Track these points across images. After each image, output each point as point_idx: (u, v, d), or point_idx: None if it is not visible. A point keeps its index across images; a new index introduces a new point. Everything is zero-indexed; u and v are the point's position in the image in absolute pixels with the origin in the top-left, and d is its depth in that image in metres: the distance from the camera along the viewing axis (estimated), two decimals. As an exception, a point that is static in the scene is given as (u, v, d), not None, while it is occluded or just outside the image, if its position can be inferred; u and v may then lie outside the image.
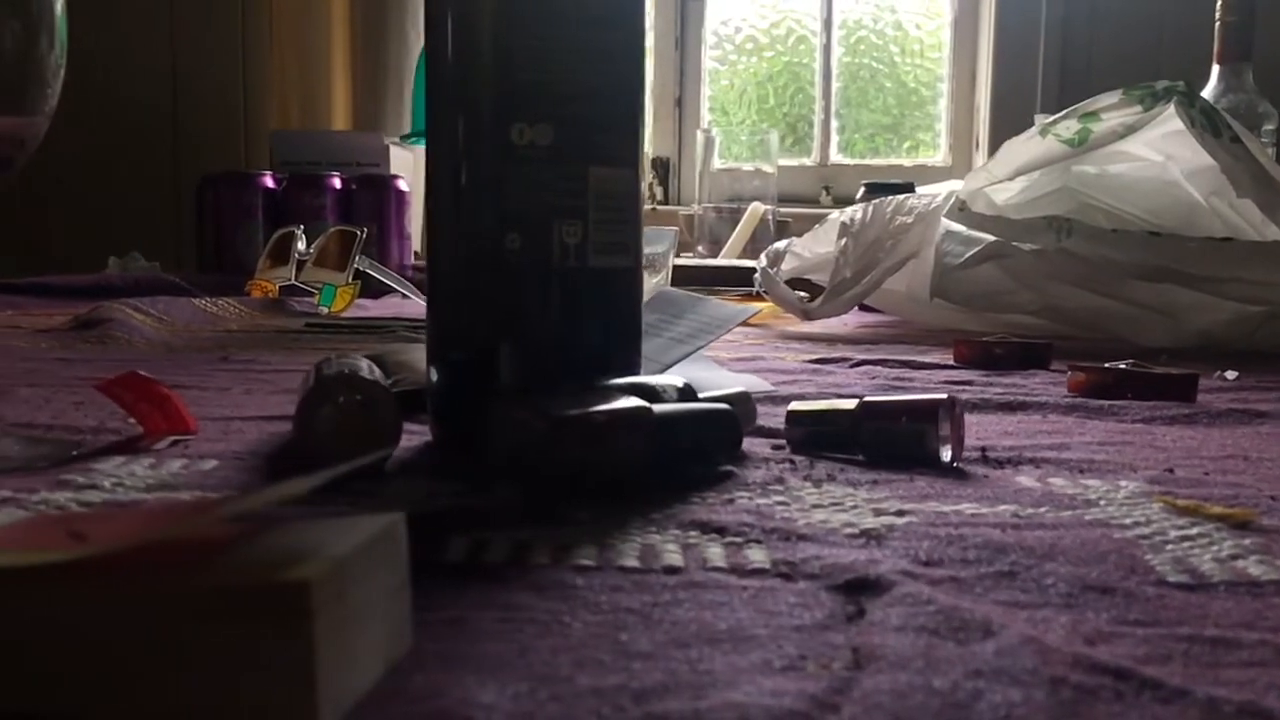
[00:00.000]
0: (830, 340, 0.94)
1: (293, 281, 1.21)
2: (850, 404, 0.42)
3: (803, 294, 1.04)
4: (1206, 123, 0.95)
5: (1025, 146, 1.01)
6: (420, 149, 1.77)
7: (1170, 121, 0.97)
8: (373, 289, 1.26)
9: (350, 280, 1.15)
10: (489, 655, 0.22)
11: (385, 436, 0.37)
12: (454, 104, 0.42)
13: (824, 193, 2.17)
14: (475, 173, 0.41)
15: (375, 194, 1.50)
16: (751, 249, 1.54)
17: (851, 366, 0.73)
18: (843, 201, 2.16)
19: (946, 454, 0.40)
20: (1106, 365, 0.61)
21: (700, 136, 1.72)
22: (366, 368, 0.42)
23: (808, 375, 0.68)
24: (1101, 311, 0.92)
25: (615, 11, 0.41)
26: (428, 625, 0.23)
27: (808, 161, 2.19)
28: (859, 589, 0.25)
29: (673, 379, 0.40)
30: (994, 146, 2.09)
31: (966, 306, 0.99)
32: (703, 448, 0.37)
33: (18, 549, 0.20)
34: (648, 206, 2.21)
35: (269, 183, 1.48)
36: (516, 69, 0.40)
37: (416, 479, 0.37)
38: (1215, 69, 1.23)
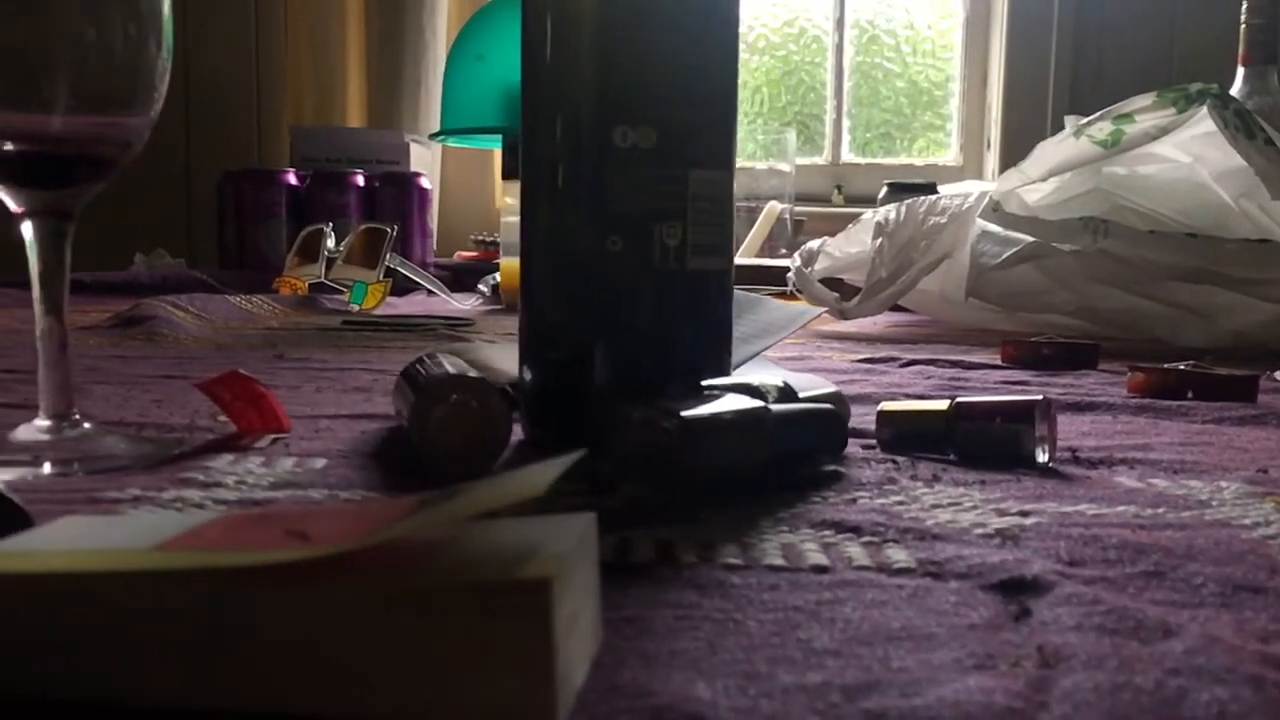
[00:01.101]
0: (869, 340, 0.95)
1: (322, 279, 1.21)
2: (942, 405, 0.43)
3: (835, 294, 1.05)
4: (1240, 125, 0.95)
5: (1059, 148, 1.02)
6: (446, 147, 1.77)
7: (1199, 124, 0.98)
8: (398, 286, 1.26)
9: (381, 278, 1.15)
10: (681, 653, 0.22)
11: (498, 436, 0.38)
12: (553, 106, 0.42)
13: (836, 191, 2.17)
14: (576, 175, 0.41)
15: (398, 191, 1.51)
16: (768, 248, 1.55)
17: (902, 366, 0.74)
18: (854, 200, 2.17)
19: (1042, 455, 0.41)
20: (1166, 366, 0.61)
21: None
22: (463, 368, 0.42)
23: (861, 375, 0.69)
24: (1138, 312, 0.93)
25: (713, 16, 0.42)
26: (608, 623, 0.23)
27: (819, 160, 2.19)
28: (1016, 589, 0.26)
29: (771, 379, 0.41)
30: (1006, 146, 2.11)
31: (1001, 307, 0.99)
32: (814, 448, 0.38)
33: (237, 548, 0.21)
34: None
35: (292, 180, 1.48)
36: (620, 72, 0.40)
37: (530, 478, 0.37)
38: (1240, 71, 1.24)
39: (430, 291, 1.33)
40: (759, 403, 0.35)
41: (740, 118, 2.24)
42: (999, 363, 0.76)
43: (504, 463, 0.39)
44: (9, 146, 0.38)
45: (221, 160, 1.85)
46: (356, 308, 1.14)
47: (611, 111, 0.40)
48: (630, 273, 0.41)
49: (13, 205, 0.39)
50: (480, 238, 1.69)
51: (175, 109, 2.04)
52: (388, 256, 1.16)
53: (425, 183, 1.55)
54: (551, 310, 0.43)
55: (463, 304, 1.27)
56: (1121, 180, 1.03)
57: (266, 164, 1.78)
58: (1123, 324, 0.94)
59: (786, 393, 0.40)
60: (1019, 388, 0.63)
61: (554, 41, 0.42)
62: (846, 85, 2.18)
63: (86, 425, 0.41)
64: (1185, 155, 1.03)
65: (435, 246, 1.66)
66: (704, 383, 0.39)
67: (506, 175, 1.24)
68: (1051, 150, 1.02)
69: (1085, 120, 1.01)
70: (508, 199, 1.26)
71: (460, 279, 1.40)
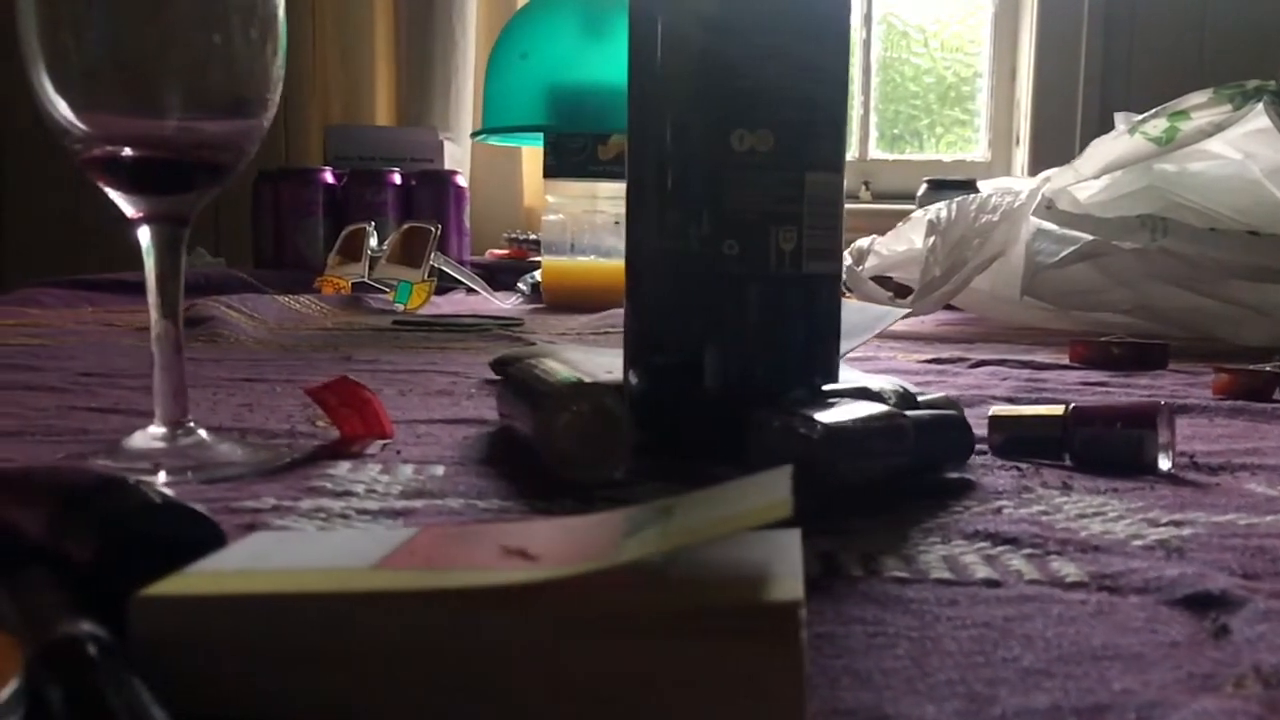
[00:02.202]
0: (926, 340, 0.94)
1: (365, 278, 1.21)
2: (1057, 410, 0.42)
3: (889, 293, 1.04)
4: (1297, 122, 0.95)
5: (1112, 145, 1.01)
6: (474, 144, 1.77)
7: (1251, 120, 0.97)
8: (437, 285, 1.26)
9: (426, 277, 1.15)
10: (892, 672, 0.22)
11: (622, 443, 0.37)
12: (666, 111, 0.42)
13: (863, 188, 2.16)
14: (692, 179, 0.41)
15: (435, 190, 1.50)
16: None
17: (971, 367, 0.73)
18: (882, 197, 2.16)
19: (1166, 462, 0.40)
20: (1252, 368, 0.61)
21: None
22: (575, 373, 0.42)
23: (934, 376, 0.68)
24: (1198, 310, 0.92)
25: (826, 19, 0.41)
26: (804, 641, 0.23)
27: (847, 157, 2.18)
28: (1204, 604, 0.25)
29: (890, 384, 0.40)
30: (1035, 142, 2.10)
31: (1057, 305, 0.99)
32: (945, 455, 0.37)
33: (456, 566, 0.20)
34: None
35: (329, 179, 1.48)
36: (738, 76, 0.40)
37: (659, 485, 0.37)
38: (1288, 67, 1.23)
39: (470, 290, 1.32)
40: (895, 409, 0.35)
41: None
42: (1067, 363, 0.75)
43: (625, 468, 0.39)
44: (127, 152, 0.38)
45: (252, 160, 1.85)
46: (401, 307, 1.14)
47: (729, 115, 0.40)
48: (746, 277, 0.41)
49: (129, 211, 0.39)
50: (514, 236, 1.69)
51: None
52: (432, 255, 1.16)
53: (461, 181, 1.55)
54: (661, 315, 0.43)
55: (504, 303, 1.26)
56: (1173, 178, 1.02)
57: (294, 163, 1.78)
58: (1183, 322, 0.93)
59: (906, 398, 0.39)
60: (1101, 389, 0.63)
61: (666, 45, 0.42)
62: (874, 81, 2.18)
63: (201, 432, 0.40)
64: (1236, 152, 1.02)
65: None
66: (824, 388, 0.39)
67: (549, 174, 1.23)
68: (1105, 148, 1.01)
69: (1140, 117, 1.01)
70: (549, 197, 1.26)
71: (495, 277, 1.40)
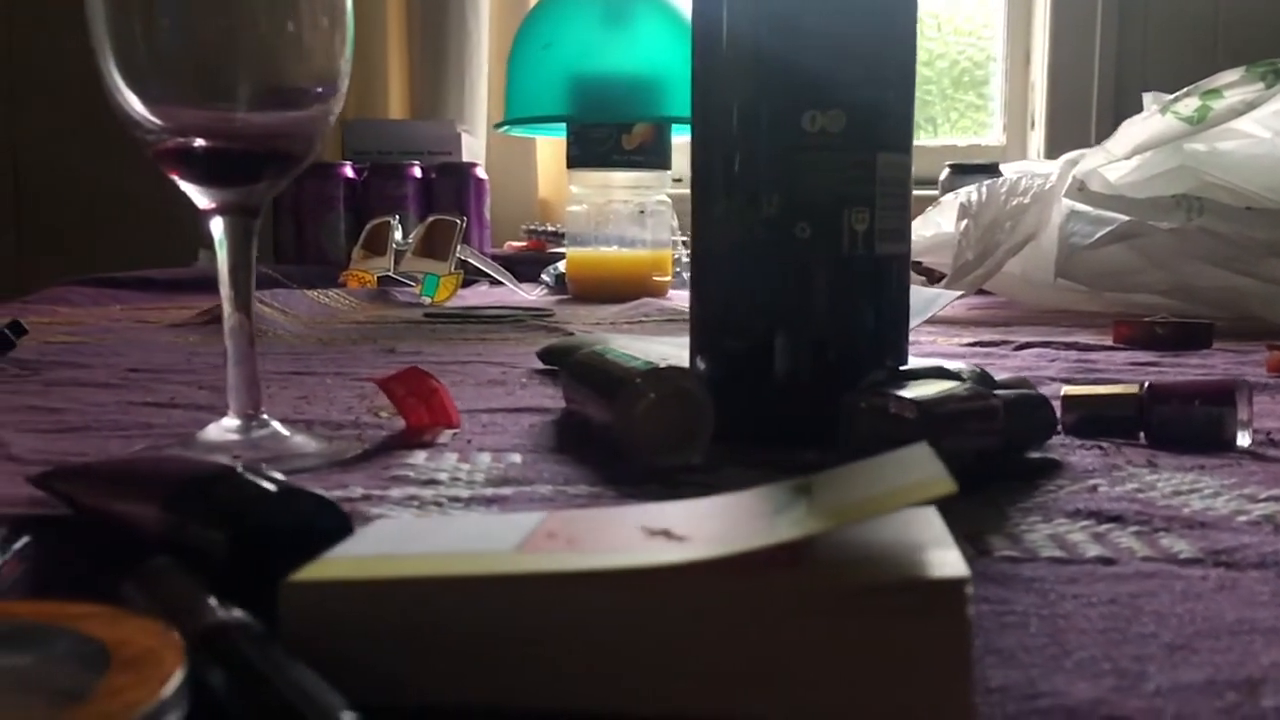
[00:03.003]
0: (962, 324, 0.94)
1: (391, 272, 1.21)
2: (1132, 388, 0.42)
3: (922, 276, 1.04)
4: (1330, 99, 0.94)
5: (1144, 125, 1.00)
6: (498, 136, 1.76)
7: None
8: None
9: (453, 269, 1.15)
10: (1034, 650, 0.21)
11: (702, 428, 0.37)
12: (734, 94, 0.41)
13: (879, 174, 2.15)
14: (762, 162, 0.41)
15: (455, 182, 1.50)
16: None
17: (1016, 349, 0.73)
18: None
19: (1245, 438, 0.40)
20: (1307, 345, 0.60)
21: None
22: (643, 359, 0.42)
23: (982, 359, 0.68)
24: (1236, 290, 0.91)
25: (894, -4, 0.41)
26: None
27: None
28: (1328, 577, 0.25)
29: (965, 365, 0.40)
30: (1051, 125, 2.09)
31: (1092, 287, 0.98)
32: (1031, 435, 0.37)
33: (598, 549, 0.20)
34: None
35: (349, 173, 1.48)
36: (810, 55, 0.40)
37: (740, 468, 0.37)
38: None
39: (493, 282, 1.32)
40: (985, 389, 0.35)
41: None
42: (1111, 344, 0.75)
43: (703, 454, 0.39)
44: (199, 143, 0.38)
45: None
46: (429, 300, 1.14)
47: (801, 96, 0.40)
48: (818, 260, 0.40)
49: (201, 202, 0.39)
50: (532, 227, 1.68)
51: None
52: (458, 248, 1.16)
53: (481, 173, 1.55)
54: (730, 299, 0.43)
55: (528, 294, 1.26)
56: (1204, 157, 1.02)
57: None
58: (1219, 302, 0.93)
59: (984, 379, 0.39)
60: (1153, 369, 0.62)
61: (733, 28, 0.41)
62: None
63: (274, 424, 0.40)
64: (1265, 130, 1.02)
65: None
66: (902, 370, 0.39)
67: (572, 164, 1.23)
68: (1137, 128, 1.01)
69: (1171, 97, 1.00)
70: (573, 188, 1.26)
71: (514, 269, 1.39)
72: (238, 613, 0.19)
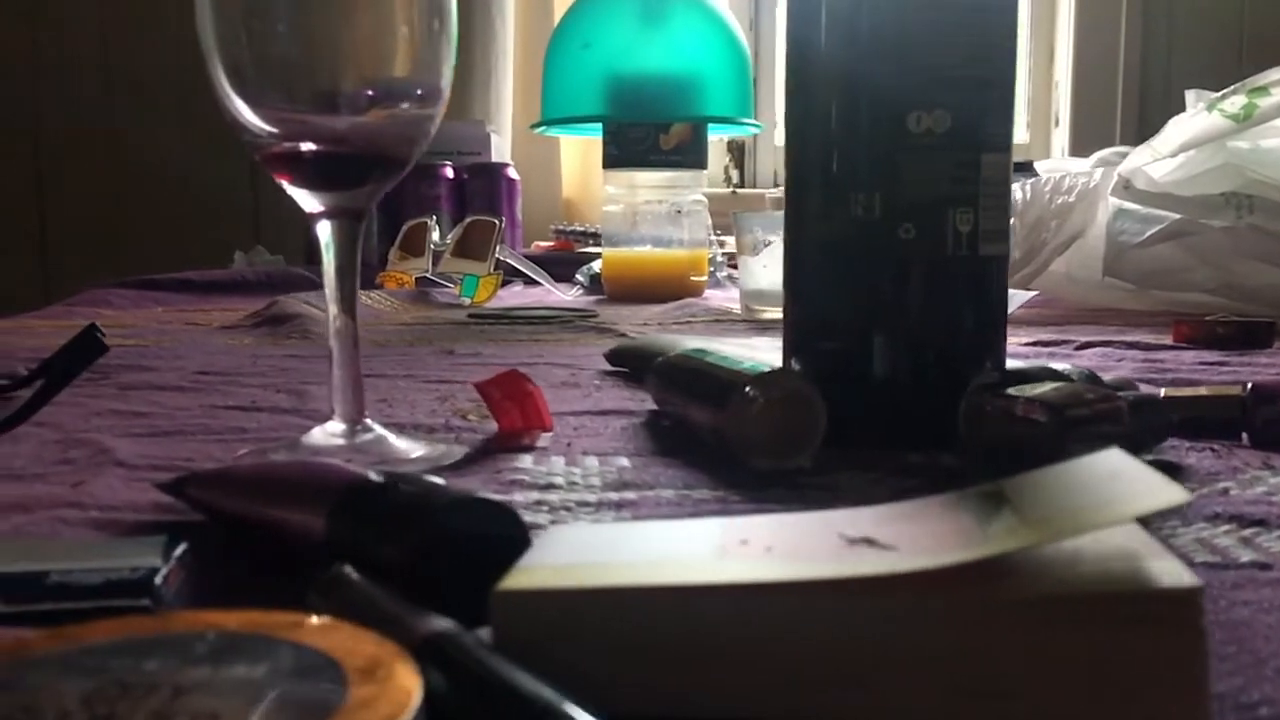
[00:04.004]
0: (1013, 323, 0.93)
1: (429, 273, 1.21)
2: (1234, 389, 0.42)
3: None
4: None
5: (1190, 123, 1.00)
6: (523, 136, 1.76)
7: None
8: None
9: (492, 270, 1.15)
10: (1225, 657, 0.21)
11: (816, 431, 0.37)
12: (835, 94, 0.41)
13: (902, 172, 2.14)
14: (865, 162, 0.40)
15: (487, 182, 1.50)
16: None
17: (1078, 349, 0.72)
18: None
19: (1353, 438, 0.39)
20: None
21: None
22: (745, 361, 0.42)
23: (1044, 360, 0.68)
24: (1287, 288, 0.91)
25: (995, -5, 0.41)
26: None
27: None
28: None
29: (1070, 367, 0.40)
30: (1075, 124, 2.09)
31: (1140, 285, 0.98)
32: (1149, 436, 0.37)
33: (800, 556, 0.20)
34: (725, 190, 2.20)
35: (381, 173, 1.47)
36: (915, 55, 0.39)
37: (855, 471, 0.37)
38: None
39: (527, 283, 1.32)
40: (1109, 390, 0.34)
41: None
42: (1170, 343, 0.74)
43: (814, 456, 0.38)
44: (306, 148, 0.38)
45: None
46: (468, 300, 1.14)
47: (906, 96, 0.39)
48: (922, 261, 0.40)
49: (309, 206, 0.39)
50: (561, 228, 1.68)
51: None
52: (497, 249, 1.16)
53: (513, 173, 1.54)
54: (829, 301, 0.43)
55: (564, 294, 1.26)
56: (1247, 154, 1.01)
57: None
58: (1269, 300, 0.92)
59: (1093, 380, 0.39)
60: (1223, 369, 0.62)
61: (834, 27, 0.41)
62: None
63: (377, 428, 0.40)
64: (1310, 127, 1.01)
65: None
66: (1012, 371, 0.39)
67: (609, 164, 1.23)
68: (1183, 126, 1.00)
69: (1218, 94, 1.00)
70: (609, 188, 1.25)
71: (546, 269, 1.39)
72: (442, 620, 0.19)
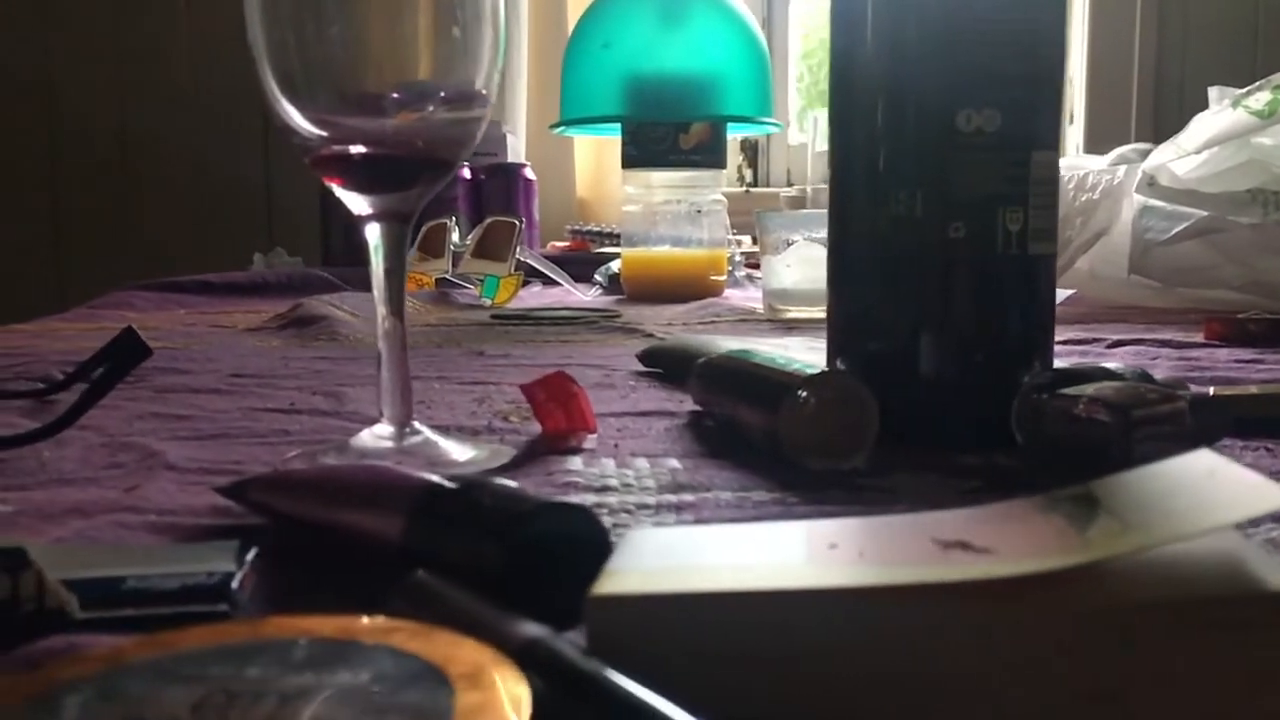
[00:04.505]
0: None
1: (449, 274, 1.21)
2: (1284, 388, 0.41)
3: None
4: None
5: (1215, 119, 0.99)
6: (536, 136, 1.76)
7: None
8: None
9: (513, 271, 1.15)
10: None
11: (870, 432, 0.37)
12: (881, 93, 0.41)
13: (916, 170, 2.14)
14: (914, 161, 0.40)
15: (504, 183, 1.50)
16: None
17: (1109, 347, 0.72)
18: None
19: None
20: None
21: (813, 118, 1.71)
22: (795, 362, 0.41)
23: (1077, 358, 0.67)
24: (1315, 285, 0.91)
25: (1043, -7, 0.41)
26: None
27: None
28: None
29: (1122, 365, 0.39)
30: (1090, 121, 2.08)
31: (1165, 283, 0.97)
32: (1207, 435, 0.37)
33: (894, 561, 0.20)
34: (739, 189, 2.20)
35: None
36: (963, 53, 0.39)
37: (910, 472, 0.36)
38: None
39: (545, 283, 1.32)
40: (1170, 389, 0.34)
41: (824, 96, 2.22)
42: (1202, 341, 0.74)
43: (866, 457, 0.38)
44: (356, 150, 0.38)
45: (298, 161, 1.86)
46: (489, 301, 1.14)
47: (955, 95, 0.39)
48: (972, 260, 0.40)
49: (358, 209, 0.39)
50: (577, 228, 1.68)
51: (255, 105, 2.03)
52: (517, 249, 1.16)
53: (530, 174, 1.54)
54: (876, 300, 0.42)
55: (583, 295, 1.26)
56: (1272, 151, 1.01)
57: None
58: (1298, 297, 0.92)
59: (1146, 378, 0.39)
60: (1261, 366, 0.62)
61: (880, 26, 0.41)
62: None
63: (426, 430, 0.40)
64: (1335, 123, 1.01)
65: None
66: (1066, 370, 0.38)
67: (628, 164, 1.22)
68: (1207, 122, 1.00)
69: (1243, 90, 0.99)
70: (628, 188, 1.25)
71: (563, 269, 1.39)
72: (534, 625, 0.19)
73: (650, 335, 0.83)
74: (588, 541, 0.22)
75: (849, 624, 0.18)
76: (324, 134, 0.37)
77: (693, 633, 0.19)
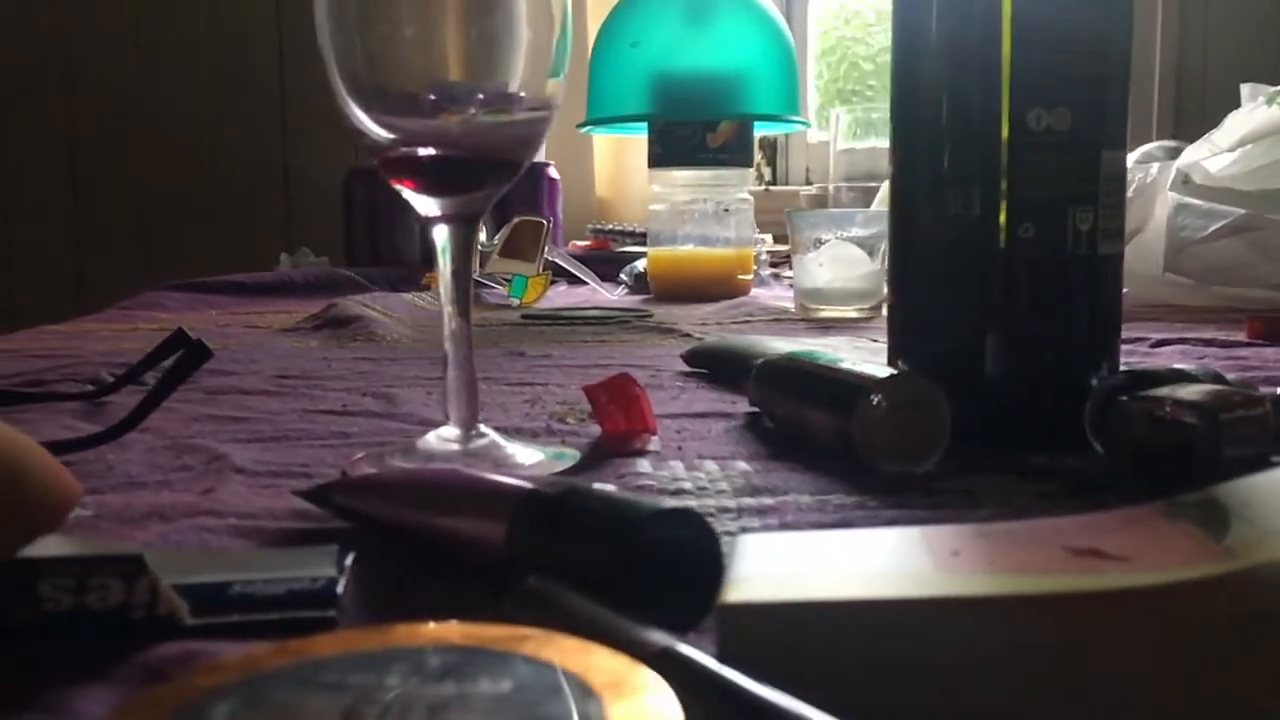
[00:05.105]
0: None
1: (476, 274, 1.21)
2: (1355, 388, 0.41)
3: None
4: None
5: (1249, 117, 0.99)
6: (552, 135, 1.76)
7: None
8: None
9: (541, 270, 1.15)
10: None
11: (943, 434, 0.37)
12: (947, 91, 0.41)
13: (935, 168, 2.14)
14: (982, 161, 0.40)
15: (529, 182, 1.50)
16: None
17: (1153, 347, 0.72)
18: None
19: None
20: None
21: (834, 116, 1.70)
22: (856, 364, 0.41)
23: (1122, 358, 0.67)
24: (1354, 283, 0.90)
25: (1111, -9, 0.40)
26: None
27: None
28: None
29: (1193, 366, 0.39)
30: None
31: (1200, 281, 0.97)
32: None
33: (1025, 570, 0.19)
34: (758, 188, 2.20)
35: (422, 174, 1.48)
36: (1034, 52, 0.39)
37: (987, 475, 0.36)
38: None
39: (571, 282, 1.32)
40: (1253, 391, 0.34)
41: (845, 94, 2.20)
42: (1244, 340, 0.74)
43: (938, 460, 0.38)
44: (425, 152, 0.37)
45: (318, 159, 1.87)
46: (517, 301, 1.14)
47: (1026, 94, 0.39)
48: (1041, 260, 0.40)
49: (427, 210, 0.38)
50: (598, 227, 1.68)
51: (270, 108, 2.04)
52: (545, 248, 1.15)
53: (554, 173, 1.54)
54: (941, 301, 0.42)
55: (610, 294, 1.26)
56: (1303, 148, 1.00)
57: (364, 162, 1.79)
58: (1335, 296, 0.91)
59: (1219, 379, 0.38)
60: (1311, 366, 0.61)
61: (946, 25, 0.41)
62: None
63: (491, 433, 0.40)
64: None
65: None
66: (1141, 371, 0.38)
67: (654, 163, 1.22)
68: (1242, 120, 0.99)
69: (1275, 88, 0.99)
70: (655, 187, 1.25)
71: (588, 268, 1.39)
72: (660, 633, 0.19)
73: (687, 335, 0.83)
74: (697, 546, 0.22)
75: (991, 633, 0.18)
76: (392, 136, 0.37)
77: (829, 641, 0.18)
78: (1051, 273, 0.40)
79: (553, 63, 0.38)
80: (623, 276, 1.33)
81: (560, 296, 1.25)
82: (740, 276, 1.23)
